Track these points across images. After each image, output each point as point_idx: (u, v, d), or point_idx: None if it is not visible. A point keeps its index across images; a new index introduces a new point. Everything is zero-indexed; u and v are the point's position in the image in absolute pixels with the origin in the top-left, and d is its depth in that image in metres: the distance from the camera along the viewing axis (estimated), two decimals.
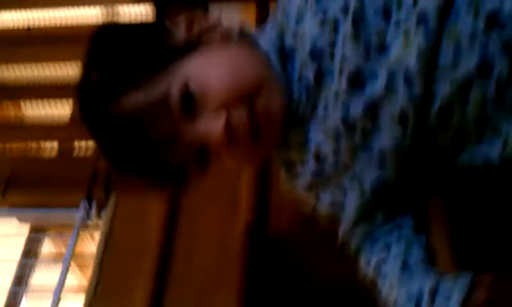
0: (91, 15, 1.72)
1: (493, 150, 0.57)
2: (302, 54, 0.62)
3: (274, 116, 0.61)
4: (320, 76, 0.61)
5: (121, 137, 0.61)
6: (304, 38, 0.62)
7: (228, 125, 0.58)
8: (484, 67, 0.55)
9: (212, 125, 0.58)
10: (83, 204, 1.61)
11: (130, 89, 0.60)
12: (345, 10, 0.59)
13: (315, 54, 0.60)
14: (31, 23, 1.68)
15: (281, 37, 0.64)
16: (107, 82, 0.61)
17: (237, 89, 0.60)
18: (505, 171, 0.59)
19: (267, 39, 0.65)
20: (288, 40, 0.63)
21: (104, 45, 0.64)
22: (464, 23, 0.55)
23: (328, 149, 0.62)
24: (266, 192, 1.42)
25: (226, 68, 0.61)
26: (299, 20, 0.63)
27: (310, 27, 0.61)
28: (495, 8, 0.55)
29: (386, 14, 0.58)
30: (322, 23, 0.60)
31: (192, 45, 0.63)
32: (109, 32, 0.66)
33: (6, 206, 1.68)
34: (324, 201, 0.66)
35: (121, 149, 0.62)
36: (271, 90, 0.62)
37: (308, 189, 0.68)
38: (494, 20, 0.54)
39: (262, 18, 1.34)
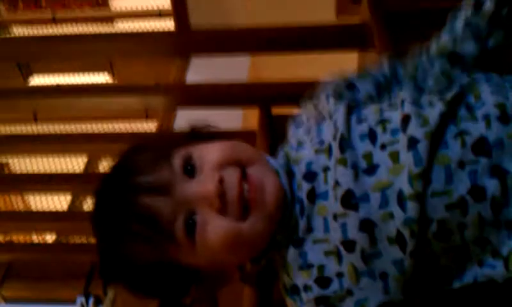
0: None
1: (496, 272, 0.57)
2: (299, 176, 0.64)
3: (267, 195, 0.62)
4: (313, 197, 0.62)
5: (124, 173, 0.65)
6: (300, 162, 0.65)
7: (220, 182, 0.60)
8: (477, 191, 0.55)
9: (205, 183, 0.61)
10: (80, 299, 1.58)
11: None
12: (334, 137, 0.63)
13: (309, 176, 0.63)
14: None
15: (287, 163, 0.67)
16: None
17: (231, 155, 0.63)
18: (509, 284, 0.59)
19: (277, 162, 0.68)
20: (291, 166, 0.67)
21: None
22: (453, 151, 0.57)
23: (331, 272, 0.61)
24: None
25: (225, 142, 0.66)
26: (299, 147, 0.68)
27: (307, 153, 0.65)
28: (480, 136, 0.57)
29: (372, 138, 0.61)
30: (318, 151, 0.64)
31: (201, 137, 0.69)
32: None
33: (2, 300, 1.65)
34: None
35: (120, 186, 0.64)
36: (265, 169, 0.64)
37: None
38: (481, 148, 0.56)
39: (265, 122, 1.37)
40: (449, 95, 0.62)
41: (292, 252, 0.64)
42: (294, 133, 0.72)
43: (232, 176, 0.61)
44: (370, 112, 0.64)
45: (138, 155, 0.67)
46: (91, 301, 1.59)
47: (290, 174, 0.66)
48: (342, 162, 0.60)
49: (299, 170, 0.65)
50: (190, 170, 0.63)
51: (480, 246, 0.58)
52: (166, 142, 0.72)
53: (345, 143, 0.61)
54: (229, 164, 0.62)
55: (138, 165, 0.65)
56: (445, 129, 0.58)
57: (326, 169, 0.62)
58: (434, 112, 0.59)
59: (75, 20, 2.77)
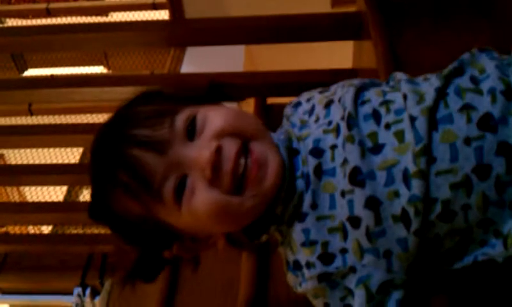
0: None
1: (496, 251, 0.58)
2: (304, 152, 0.65)
3: (269, 172, 0.62)
4: (320, 172, 0.63)
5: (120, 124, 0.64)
6: (307, 139, 0.65)
7: (216, 151, 0.59)
8: (482, 169, 0.56)
9: (201, 150, 0.60)
10: (77, 291, 1.59)
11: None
12: (343, 117, 0.63)
13: (316, 152, 0.64)
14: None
15: (289, 139, 0.67)
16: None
17: (234, 125, 0.62)
18: (509, 265, 0.59)
19: (277, 137, 0.68)
20: (294, 144, 0.67)
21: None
22: (458, 126, 0.57)
23: (335, 248, 0.62)
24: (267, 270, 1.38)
25: (232, 110, 0.65)
26: (303, 127, 0.68)
27: (314, 131, 0.66)
28: (486, 112, 0.57)
29: (376, 118, 0.62)
30: (326, 131, 0.65)
31: (210, 98, 0.69)
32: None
33: None
34: None
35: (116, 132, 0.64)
36: (269, 145, 0.64)
37: (315, 296, 0.66)
38: (486, 124, 0.56)
39: (260, 111, 1.37)
40: (446, 70, 0.62)
41: (297, 228, 0.64)
42: (293, 113, 0.72)
43: (230, 147, 0.61)
44: (373, 94, 0.65)
45: (143, 105, 0.66)
46: (88, 292, 1.60)
47: (291, 151, 0.66)
48: (350, 139, 0.61)
49: (305, 146, 0.65)
50: (191, 131, 0.62)
51: (484, 228, 0.58)
52: (176, 97, 0.70)
53: (352, 121, 0.62)
54: (231, 134, 0.62)
55: (139, 117, 0.63)
56: (446, 95, 0.59)
57: (333, 147, 0.63)
58: (430, 89, 0.60)
59: (69, 12, 2.75)
